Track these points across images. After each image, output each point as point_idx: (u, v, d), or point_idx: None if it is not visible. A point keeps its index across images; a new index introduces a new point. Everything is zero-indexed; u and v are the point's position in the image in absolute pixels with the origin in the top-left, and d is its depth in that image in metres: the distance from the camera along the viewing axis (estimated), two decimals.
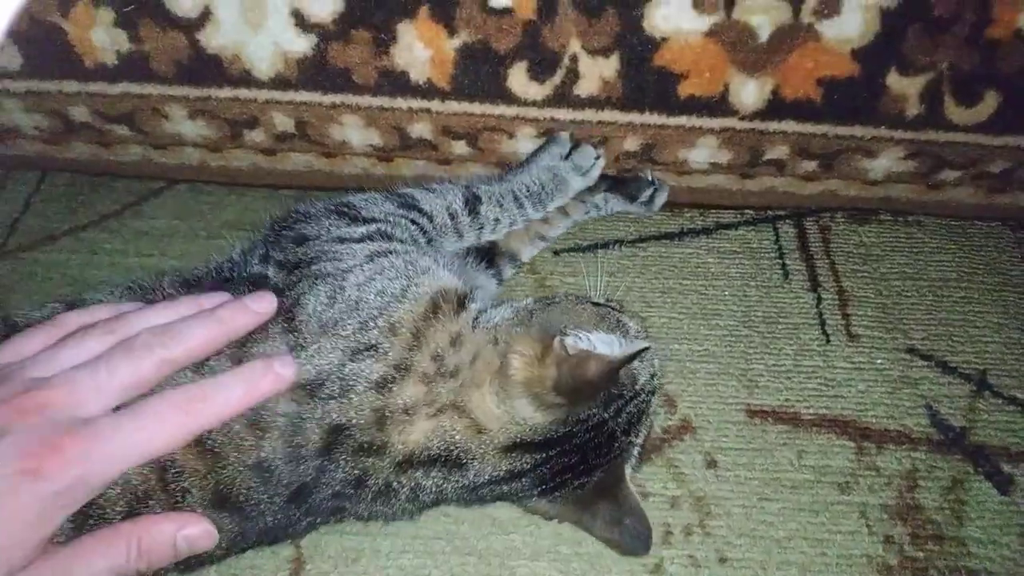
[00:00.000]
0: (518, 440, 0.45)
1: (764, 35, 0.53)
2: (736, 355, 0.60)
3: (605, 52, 0.54)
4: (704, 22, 0.52)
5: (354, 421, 0.43)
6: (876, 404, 0.58)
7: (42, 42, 0.54)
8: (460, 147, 0.60)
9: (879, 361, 0.60)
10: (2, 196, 0.69)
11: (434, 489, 0.45)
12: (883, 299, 0.63)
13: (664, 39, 0.53)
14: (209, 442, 0.42)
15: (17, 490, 0.36)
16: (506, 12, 0.52)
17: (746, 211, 0.68)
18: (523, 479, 0.46)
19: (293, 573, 0.49)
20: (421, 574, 0.50)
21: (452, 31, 0.53)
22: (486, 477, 0.45)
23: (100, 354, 0.42)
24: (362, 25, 0.53)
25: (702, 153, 0.59)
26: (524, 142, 0.59)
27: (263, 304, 0.45)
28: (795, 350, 0.60)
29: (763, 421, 0.57)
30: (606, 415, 0.46)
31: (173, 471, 0.41)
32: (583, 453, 0.46)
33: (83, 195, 0.69)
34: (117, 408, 0.40)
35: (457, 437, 0.45)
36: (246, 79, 0.56)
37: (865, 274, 0.65)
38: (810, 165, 0.61)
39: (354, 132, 0.59)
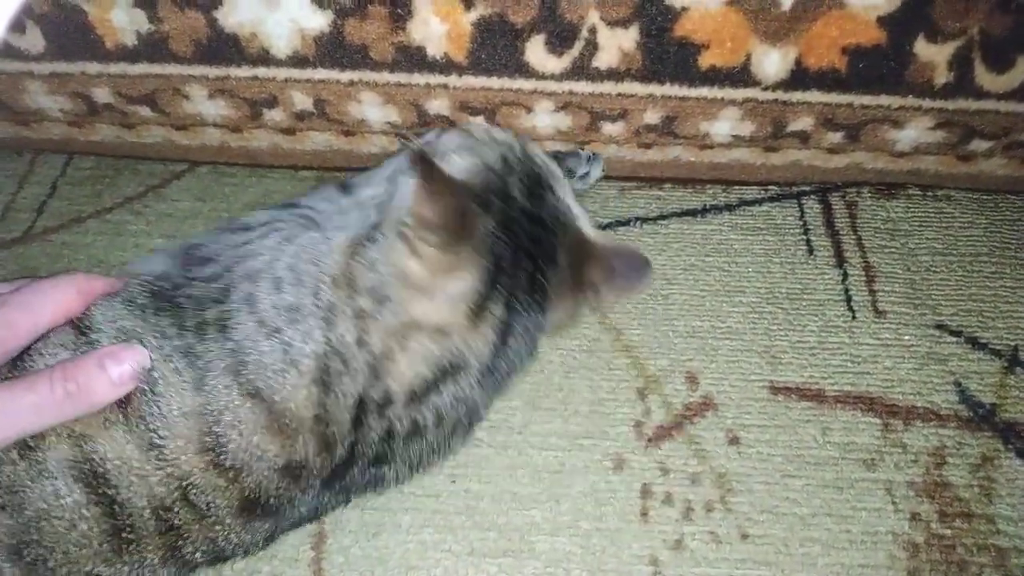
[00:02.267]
0: (477, 306, 0.45)
1: (787, 3, 0.51)
2: (759, 332, 0.59)
3: (624, 23, 0.53)
4: None
5: (364, 386, 0.43)
6: (903, 381, 0.57)
7: (64, 24, 0.54)
8: (478, 122, 0.59)
9: (907, 337, 0.59)
10: (29, 179, 0.70)
11: (455, 402, 0.46)
12: (911, 275, 0.62)
13: (684, 8, 0.52)
14: (225, 459, 0.42)
15: None
16: None
17: (770, 187, 0.67)
18: (513, 325, 0.46)
19: (315, 547, 0.50)
20: (441, 548, 0.50)
21: (469, 5, 0.52)
22: (488, 356, 0.46)
23: None
24: (378, 0, 0.53)
25: (724, 125, 0.58)
26: (542, 116, 0.58)
27: None
28: (820, 326, 0.59)
29: (787, 398, 0.56)
30: (505, 209, 0.46)
31: (193, 490, 0.41)
32: (526, 253, 0.46)
33: (108, 178, 0.69)
34: None
35: (435, 350, 0.45)
36: (264, 57, 0.55)
37: (893, 249, 0.64)
38: (835, 137, 0.59)
39: (372, 109, 0.59)
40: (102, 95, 0.59)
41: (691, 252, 0.63)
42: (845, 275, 0.62)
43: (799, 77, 0.55)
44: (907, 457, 0.53)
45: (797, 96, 0.56)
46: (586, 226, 0.50)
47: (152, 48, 0.56)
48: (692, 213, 0.65)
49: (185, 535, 0.42)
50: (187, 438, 0.41)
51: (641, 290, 0.51)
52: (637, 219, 0.64)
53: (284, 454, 0.42)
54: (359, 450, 0.44)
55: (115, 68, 0.57)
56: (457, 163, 0.50)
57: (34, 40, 0.56)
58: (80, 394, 0.40)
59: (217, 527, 0.42)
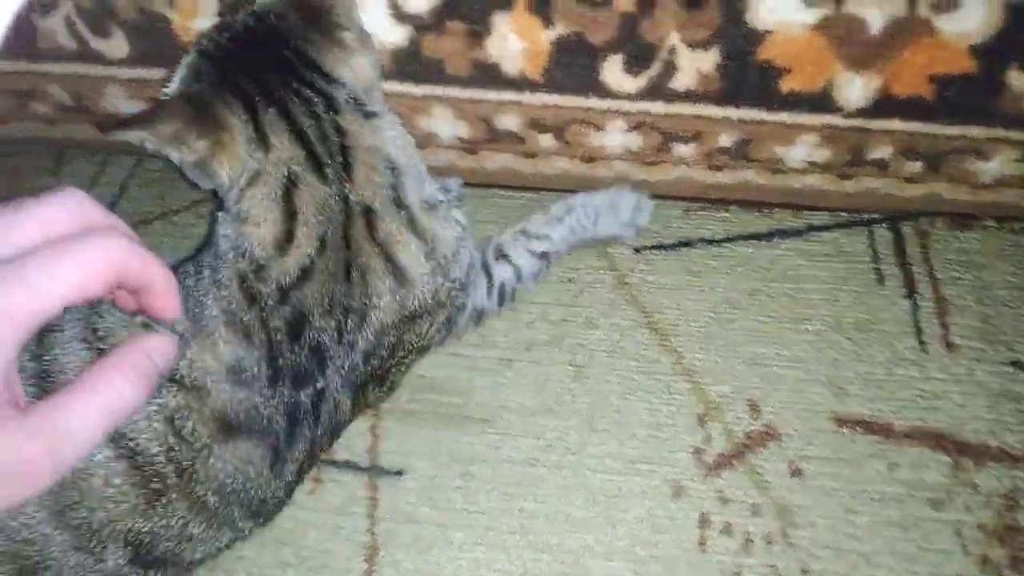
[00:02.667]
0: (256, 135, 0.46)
1: (875, 29, 0.50)
2: (825, 361, 0.58)
3: (705, 45, 0.52)
4: (812, 15, 0.50)
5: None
6: (975, 418, 0.55)
7: (148, 31, 0.56)
8: (547, 140, 0.59)
9: (979, 373, 0.57)
10: (100, 180, 0.72)
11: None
12: (985, 309, 0.60)
13: (767, 32, 0.51)
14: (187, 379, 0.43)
15: None
16: (604, 4, 0.51)
17: (840, 213, 0.65)
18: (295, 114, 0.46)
19: (367, 560, 0.50)
20: (493, 568, 0.50)
21: (548, 23, 0.52)
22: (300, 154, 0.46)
23: None
24: (458, 16, 0.53)
25: (800, 151, 0.57)
26: (613, 135, 0.58)
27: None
28: (888, 358, 0.58)
29: (852, 431, 0.55)
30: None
31: (177, 419, 0.43)
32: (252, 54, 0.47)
33: (174, 181, 0.70)
34: None
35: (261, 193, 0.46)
36: None
37: (966, 282, 0.62)
38: (915, 166, 0.58)
39: (442, 124, 0.59)
40: None
41: (756, 277, 0.62)
42: (916, 307, 0.60)
43: (882, 105, 0.54)
44: (978, 498, 0.52)
45: (878, 124, 0.55)
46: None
47: None
48: (758, 237, 0.64)
49: (193, 474, 0.43)
50: None
51: None
52: (702, 240, 0.64)
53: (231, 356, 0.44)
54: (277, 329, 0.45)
55: None
56: None
57: (118, 45, 0.57)
58: (140, 381, 0.38)
59: (211, 459, 0.43)
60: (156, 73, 0.58)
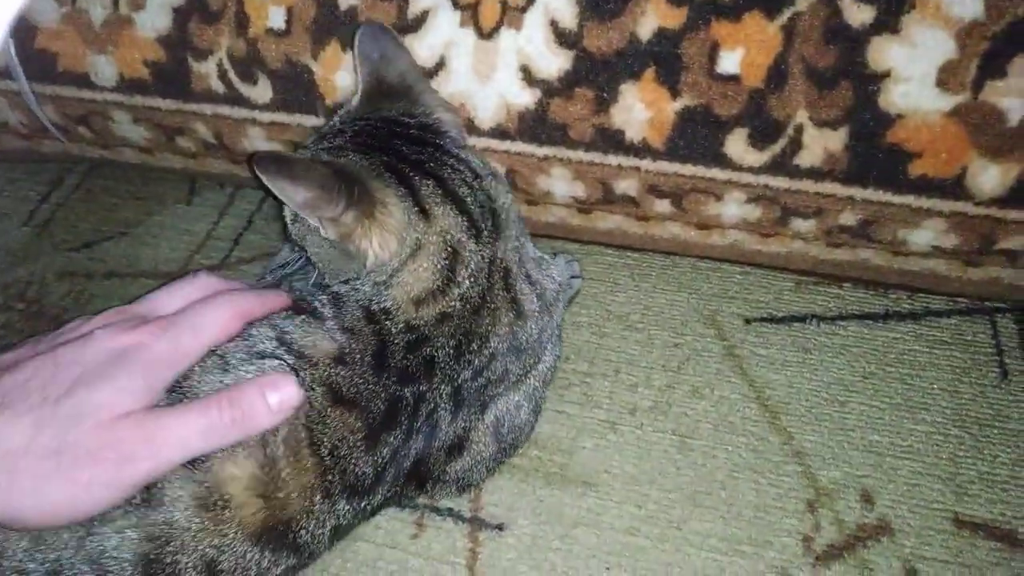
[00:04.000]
0: (418, 210, 0.47)
1: (1015, 119, 0.49)
2: (944, 456, 0.55)
3: (833, 124, 0.52)
4: (947, 101, 0.50)
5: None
6: None
7: (292, 79, 0.59)
8: (663, 206, 0.60)
9: None
10: (229, 212, 0.76)
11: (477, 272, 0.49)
12: None
13: (900, 116, 0.51)
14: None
15: (128, 359, 0.44)
16: (733, 79, 0.52)
17: (959, 299, 0.63)
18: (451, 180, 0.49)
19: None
20: None
21: (675, 94, 0.53)
22: (462, 224, 0.48)
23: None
24: (586, 84, 0.55)
25: (925, 235, 0.56)
26: (731, 206, 0.58)
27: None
28: (1013, 460, 0.55)
29: (973, 534, 0.51)
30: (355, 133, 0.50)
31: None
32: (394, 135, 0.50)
33: None
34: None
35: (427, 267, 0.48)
36: (468, 126, 0.58)
37: None
38: None
39: (560, 183, 0.60)
40: None
41: (871, 359, 0.60)
42: None
43: (1018, 195, 0.52)
44: None
45: (1013, 214, 0.53)
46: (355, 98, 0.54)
47: None
48: (873, 317, 0.62)
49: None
50: None
51: (390, 39, 0.53)
52: (814, 317, 0.62)
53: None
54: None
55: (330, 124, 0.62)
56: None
57: (263, 91, 0.61)
58: (244, 420, 0.43)
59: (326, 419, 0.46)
60: (295, 119, 0.62)
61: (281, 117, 0.63)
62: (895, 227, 0.57)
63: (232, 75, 0.61)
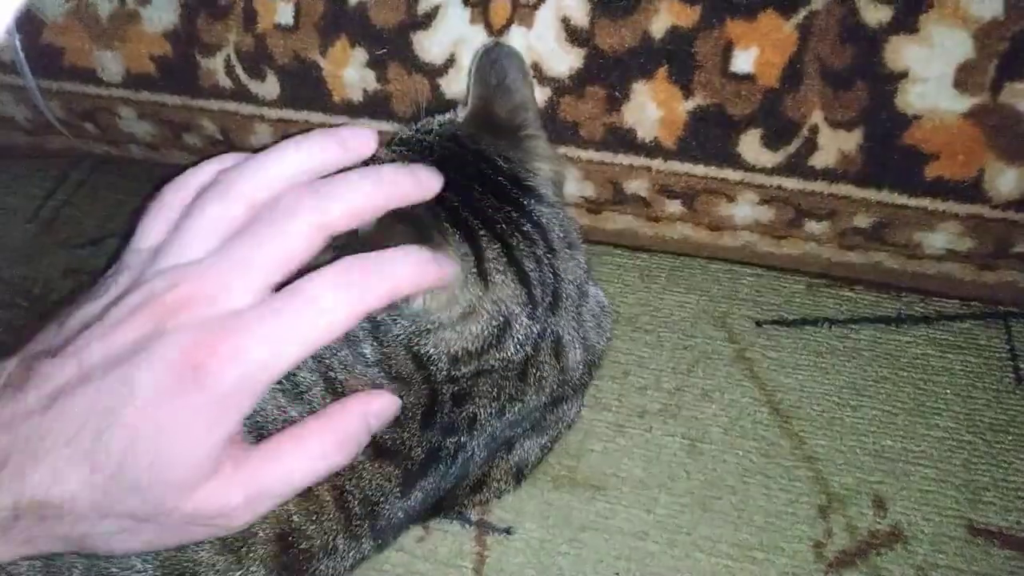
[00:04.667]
0: (479, 273, 0.45)
1: None
2: (957, 462, 0.54)
3: (849, 125, 0.51)
4: (965, 103, 0.49)
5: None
6: None
7: (300, 76, 0.59)
8: (674, 206, 0.59)
9: None
10: None
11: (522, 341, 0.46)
12: None
13: (916, 117, 0.50)
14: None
15: (186, 395, 0.34)
16: (747, 78, 0.51)
17: (973, 303, 0.62)
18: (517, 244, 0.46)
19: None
20: None
21: (688, 93, 0.53)
22: (520, 295, 0.46)
23: (240, 229, 0.37)
24: (597, 82, 0.54)
25: (940, 238, 0.55)
26: (744, 207, 0.57)
27: (429, 178, 0.42)
28: None
29: (987, 542, 0.51)
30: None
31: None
32: (467, 186, 0.46)
33: None
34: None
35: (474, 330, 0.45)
36: None
37: None
38: None
39: (570, 183, 0.59)
40: None
41: (883, 363, 0.59)
42: None
43: None
44: None
45: None
46: (462, 112, 0.51)
47: (375, 106, 0.59)
48: (886, 321, 0.62)
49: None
50: None
51: (516, 67, 0.50)
52: (826, 320, 0.61)
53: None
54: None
55: (337, 120, 0.61)
56: None
57: (271, 87, 0.61)
58: (348, 446, 0.39)
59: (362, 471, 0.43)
60: (303, 115, 0.62)
61: (289, 114, 0.62)
62: (910, 230, 0.56)
63: (239, 71, 0.60)
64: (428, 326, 0.45)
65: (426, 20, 0.55)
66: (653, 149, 0.56)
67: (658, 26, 0.51)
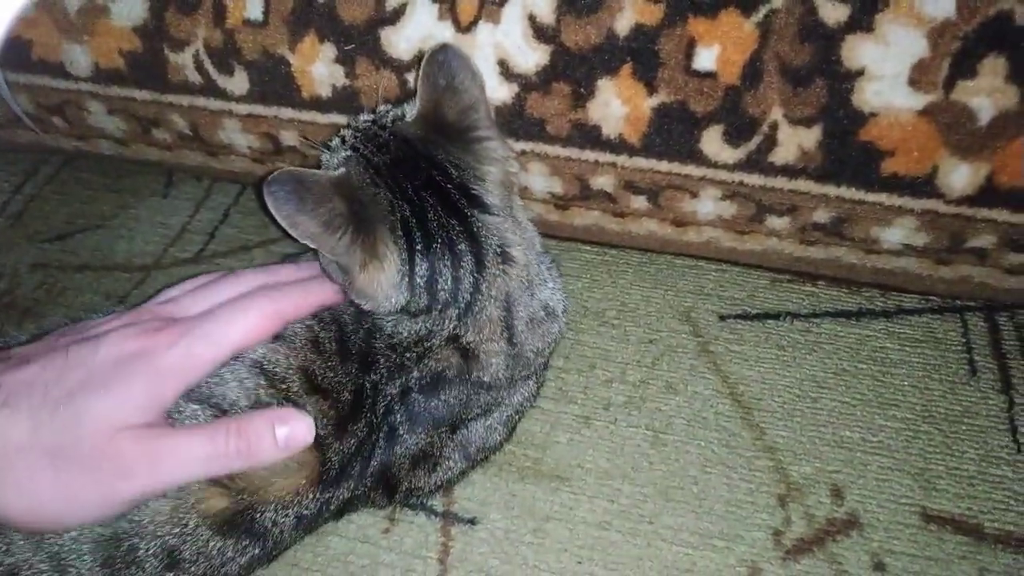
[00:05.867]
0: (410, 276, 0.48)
1: (985, 119, 0.50)
2: (913, 452, 0.55)
3: (808, 122, 0.52)
4: (919, 100, 0.50)
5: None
6: None
7: (269, 71, 0.59)
8: (639, 202, 0.60)
9: None
10: (205, 205, 0.76)
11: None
12: None
13: (873, 114, 0.51)
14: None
15: (133, 363, 0.44)
16: (709, 76, 0.52)
17: (931, 298, 0.64)
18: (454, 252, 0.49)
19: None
20: None
21: (652, 90, 0.54)
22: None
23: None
24: (563, 79, 0.55)
25: (897, 233, 0.56)
26: (707, 202, 0.58)
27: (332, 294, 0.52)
28: (980, 456, 0.55)
29: (940, 528, 0.52)
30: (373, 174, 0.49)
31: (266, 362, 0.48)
32: (414, 189, 0.48)
33: None
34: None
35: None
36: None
37: None
38: (1017, 258, 0.56)
39: (538, 179, 0.60)
40: (289, 138, 0.64)
41: (843, 356, 0.60)
42: (1011, 403, 0.57)
43: (987, 194, 0.53)
44: None
45: (982, 213, 0.54)
46: (412, 109, 0.52)
47: (343, 101, 0.60)
48: (846, 315, 0.63)
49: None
50: None
51: (465, 68, 0.50)
52: (788, 314, 0.63)
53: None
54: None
55: (306, 115, 0.61)
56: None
57: (240, 83, 0.61)
58: (249, 452, 0.43)
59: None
60: (272, 111, 0.62)
61: (258, 109, 0.62)
62: (868, 225, 0.57)
63: (209, 66, 0.60)
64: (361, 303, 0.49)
65: (394, 16, 0.56)
66: (618, 145, 0.57)
67: (623, 24, 0.52)
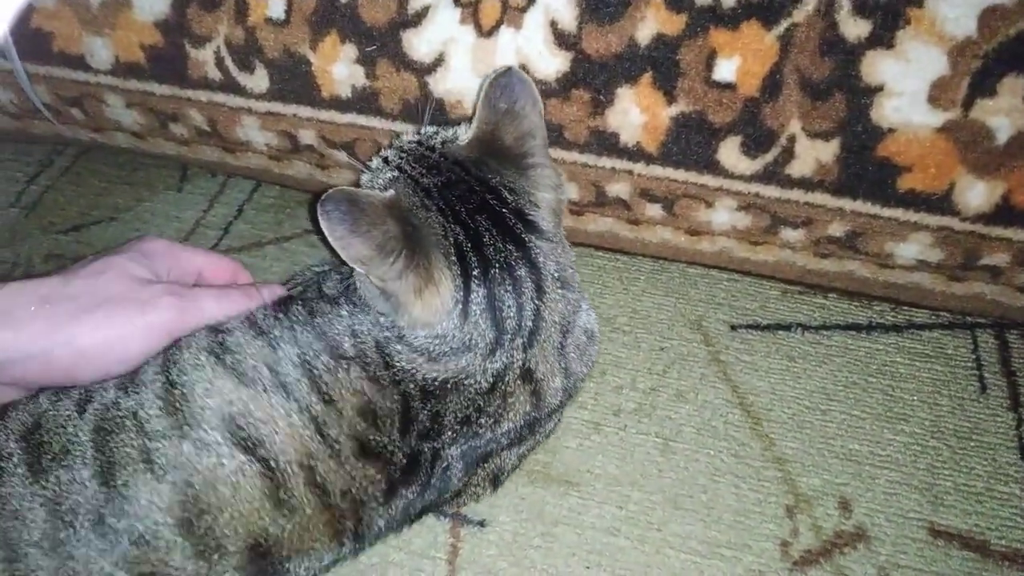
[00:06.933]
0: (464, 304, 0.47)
1: (1003, 138, 0.50)
2: (921, 467, 0.56)
3: (826, 136, 0.52)
4: (938, 117, 0.50)
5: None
6: None
7: (290, 70, 0.59)
8: (654, 210, 0.60)
9: None
10: (220, 200, 0.76)
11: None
12: None
13: (891, 130, 0.51)
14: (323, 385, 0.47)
15: (143, 240, 0.55)
16: (729, 87, 0.53)
17: (942, 313, 0.64)
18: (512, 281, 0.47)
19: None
20: None
21: (671, 99, 0.54)
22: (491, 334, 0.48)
23: None
24: (583, 86, 0.55)
25: (911, 249, 0.56)
26: (722, 212, 0.58)
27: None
28: (989, 472, 0.55)
29: (948, 543, 0.52)
30: (425, 198, 0.48)
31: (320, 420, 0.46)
32: (471, 216, 0.47)
33: (289, 208, 0.75)
34: None
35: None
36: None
37: None
38: None
39: None
40: (307, 137, 0.64)
41: (853, 369, 0.61)
42: (1020, 421, 0.58)
43: (1003, 212, 0.53)
44: None
45: (997, 231, 0.54)
46: (465, 132, 0.52)
47: (363, 101, 0.60)
48: (857, 328, 0.63)
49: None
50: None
51: (527, 94, 0.50)
52: (799, 325, 0.63)
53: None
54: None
55: (325, 115, 0.62)
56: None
57: (260, 81, 0.61)
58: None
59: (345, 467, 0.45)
60: (289, 109, 0.62)
61: (277, 107, 0.63)
62: (882, 240, 0.57)
63: (229, 63, 0.61)
64: (402, 334, 0.47)
65: (416, 19, 0.56)
66: (635, 153, 0.57)
67: (644, 33, 0.53)
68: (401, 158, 0.51)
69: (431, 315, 0.46)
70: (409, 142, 0.52)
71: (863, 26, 0.50)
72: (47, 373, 0.46)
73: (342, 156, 0.63)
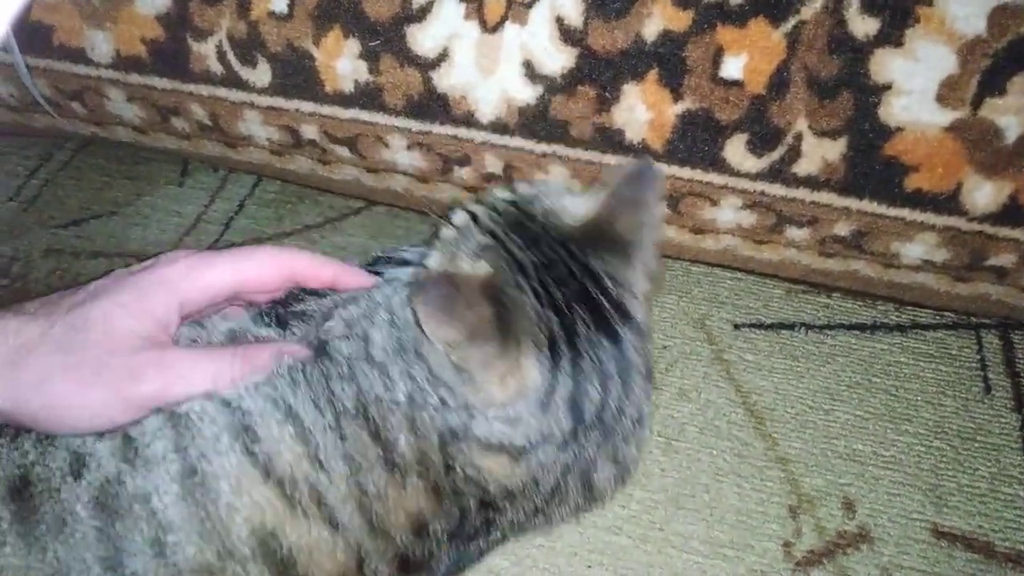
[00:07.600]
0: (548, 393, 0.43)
1: (1011, 137, 0.50)
2: (925, 467, 0.56)
3: (833, 134, 0.52)
4: (946, 116, 0.50)
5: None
6: None
7: (292, 65, 0.59)
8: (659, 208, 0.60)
9: None
10: (221, 195, 0.76)
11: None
12: None
13: (899, 129, 0.51)
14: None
15: (141, 277, 0.46)
16: (735, 84, 0.52)
17: (946, 314, 0.64)
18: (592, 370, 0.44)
19: None
20: None
21: (677, 97, 0.53)
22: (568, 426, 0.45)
23: None
24: (589, 82, 0.55)
25: (917, 248, 0.56)
26: (727, 211, 0.58)
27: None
28: (993, 473, 0.55)
29: (951, 544, 0.52)
30: (521, 278, 0.44)
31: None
32: (565, 299, 0.43)
33: (291, 204, 0.74)
34: None
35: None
36: (467, 120, 0.58)
37: None
38: None
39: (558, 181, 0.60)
40: (309, 132, 0.64)
41: (857, 369, 0.60)
42: None
43: (1010, 213, 0.53)
44: None
45: (1004, 232, 0.54)
46: (575, 208, 0.48)
47: (366, 97, 0.60)
48: (861, 328, 0.63)
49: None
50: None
51: (655, 186, 0.47)
52: (803, 325, 0.63)
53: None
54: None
55: (328, 110, 0.61)
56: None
57: (262, 75, 0.61)
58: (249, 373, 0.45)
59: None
60: (292, 104, 0.62)
61: (279, 102, 0.62)
62: (888, 239, 0.57)
63: (231, 57, 0.60)
64: (473, 416, 0.44)
65: (420, 14, 0.55)
66: (641, 150, 0.56)
67: (651, 29, 0.52)
68: (494, 221, 0.47)
69: (509, 397, 0.43)
70: (503, 201, 0.49)
71: (872, 24, 0.49)
72: (15, 421, 0.44)
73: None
